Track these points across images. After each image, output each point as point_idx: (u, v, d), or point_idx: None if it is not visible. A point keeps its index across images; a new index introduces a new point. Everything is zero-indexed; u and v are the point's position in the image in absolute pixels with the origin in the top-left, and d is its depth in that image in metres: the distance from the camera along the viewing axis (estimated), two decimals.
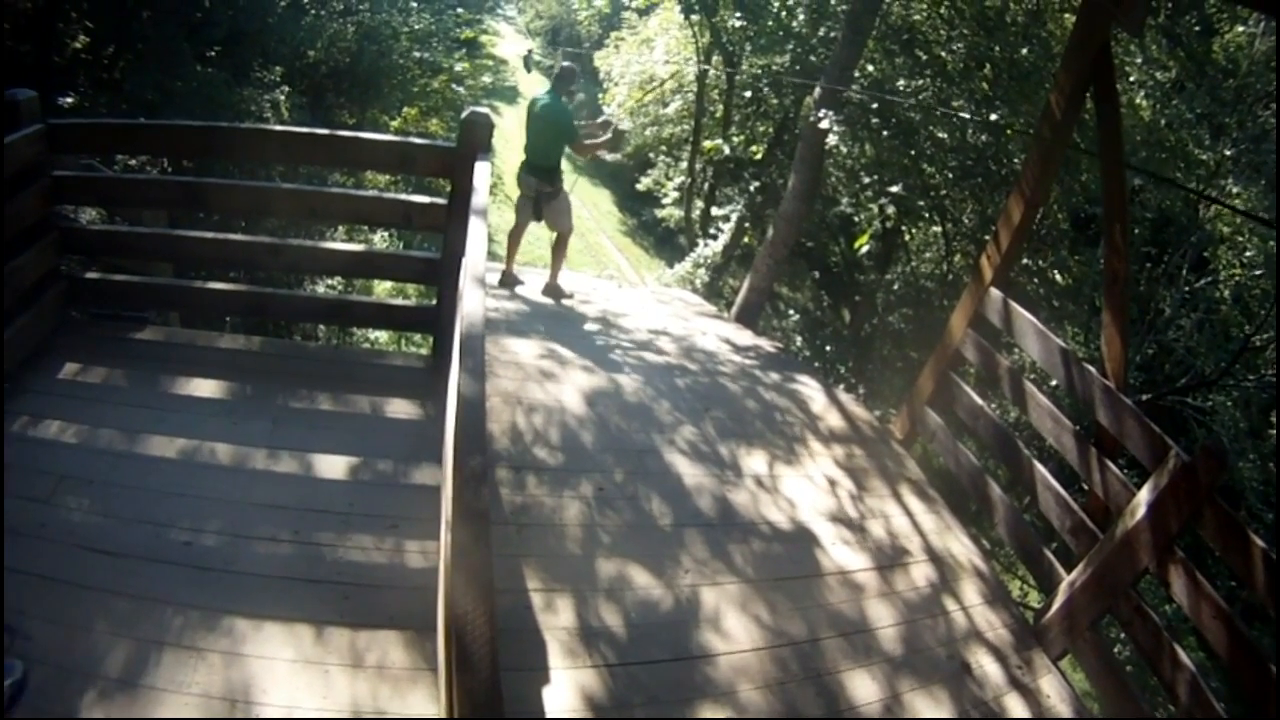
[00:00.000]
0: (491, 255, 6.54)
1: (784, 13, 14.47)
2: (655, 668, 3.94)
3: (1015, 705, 4.37)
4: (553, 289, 8.99)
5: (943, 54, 13.13)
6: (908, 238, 14.91)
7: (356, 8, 17.55)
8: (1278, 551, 3.73)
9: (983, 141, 11.99)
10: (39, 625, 3.25)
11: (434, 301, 5.70)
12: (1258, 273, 12.43)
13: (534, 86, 47.55)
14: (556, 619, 4.03)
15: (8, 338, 4.62)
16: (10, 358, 4.64)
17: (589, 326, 7.98)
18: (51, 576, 3.51)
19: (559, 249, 8.97)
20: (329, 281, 12.43)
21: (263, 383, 5.24)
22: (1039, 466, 5.35)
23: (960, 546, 5.55)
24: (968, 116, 11.63)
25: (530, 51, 8.83)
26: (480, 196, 4.58)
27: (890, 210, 12.99)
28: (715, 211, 17.89)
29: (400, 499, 4.42)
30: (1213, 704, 3.97)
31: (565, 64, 8.70)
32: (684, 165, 20.98)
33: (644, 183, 23.22)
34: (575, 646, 3.91)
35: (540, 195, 8.43)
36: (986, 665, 4.56)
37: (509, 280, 8.99)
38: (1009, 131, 11.51)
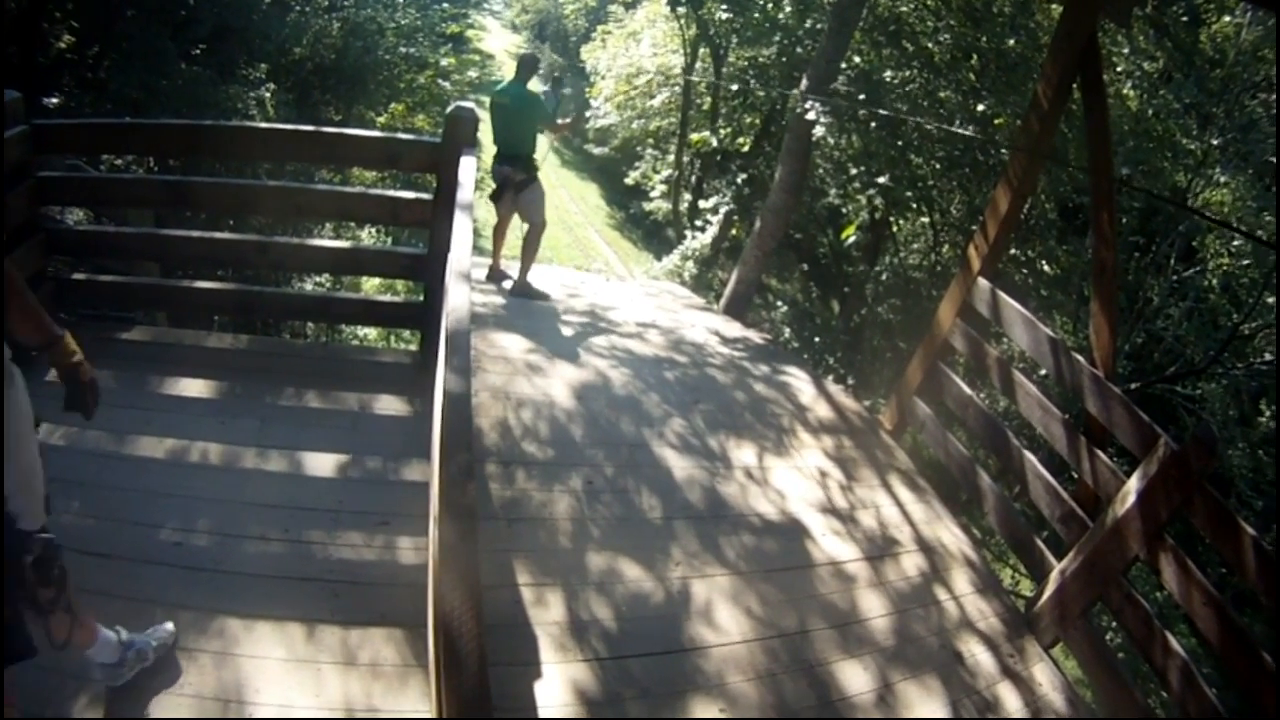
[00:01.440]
0: (479, 250, 6.51)
1: (770, 4, 14.47)
2: (646, 661, 3.94)
3: (1008, 694, 4.38)
4: (523, 287, 8.62)
5: (930, 45, 13.14)
6: (895, 229, 14.93)
7: (341, 4, 17.51)
8: (1271, 540, 3.75)
9: (970, 132, 12.00)
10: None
11: (421, 297, 5.70)
12: (1245, 262, 12.49)
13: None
14: (547, 613, 4.03)
15: None
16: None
17: (577, 320, 7.97)
18: None
19: (531, 243, 8.62)
20: (316, 279, 12.41)
21: (251, 381, 5.23)
22: (1029, 455, 5.36)
23: (951, 536, 5.56)
24: (934, 127, 11.66)
25: (559, 77, 8.61)
26: (466, 191, 4.57)
27: (878, 201, 12.98)
28: (703, 204, 17.86)
29: (390, 495, 4.42)
30: (1204, 690, 3.98)
31: (525, 53, 8.78)
32: (671, 158, 20.98)
33: (631, 176, 23.22)
34: (566, 640, 3.91)
35: (512, 184, 8.26)
36: (978, 654, 4.57)
37: (495, 275, 8.90)
38: (997, 122, 11.53)
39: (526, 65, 8.43)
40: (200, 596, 3.58)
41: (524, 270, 8.70)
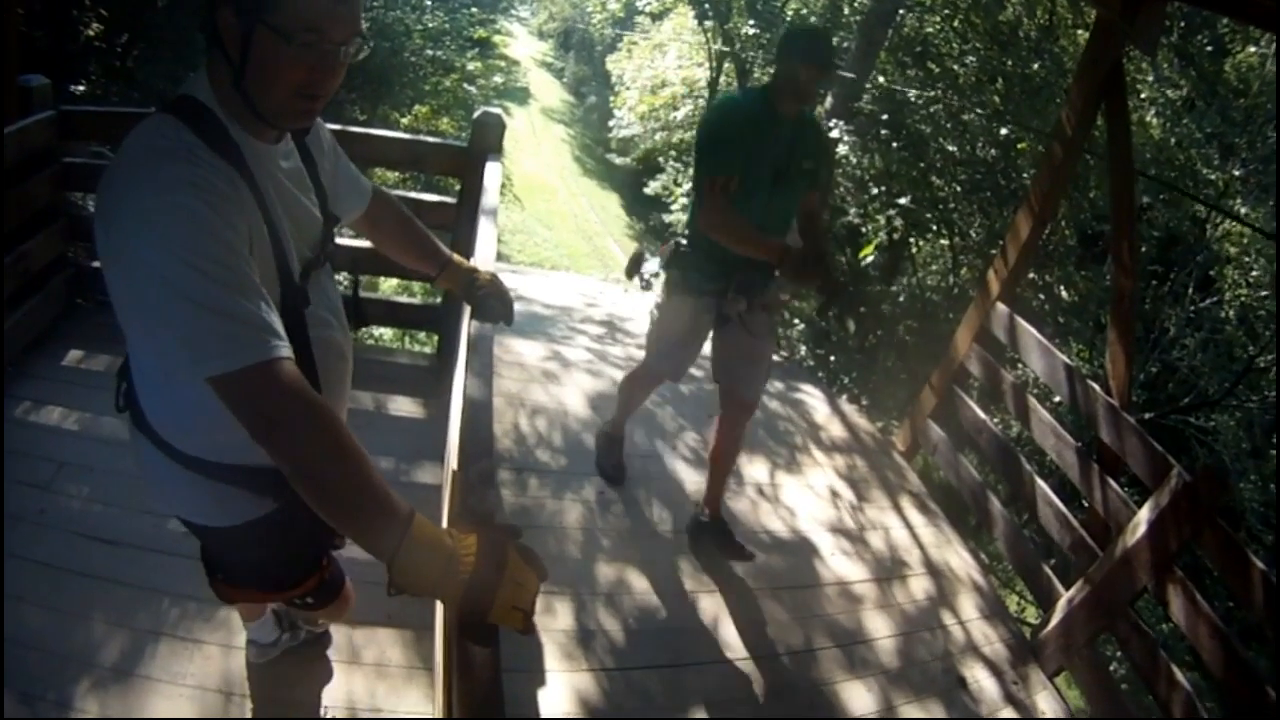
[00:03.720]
0: (500, 257, 6.50)
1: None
2: (651, 673, 3.94)
3: None
4: (717, 530, 4.80)
5: (955, 67, 13.17)
6: (914, 250, 14.93)
7: (370, 4, 17.55)
8: (1276, 573, 3.73)
9: (992, 155, 12.01)
10: (36, 612, 3.25)
11: (439, 299, 5.71)
12: (1263, 293, 12.46)
13: (544, 88, 47.49)
14: (555, 621, 4.03)
15: (14, 323, 4.63)
16: (15, 343, 4.65)
17: (594, 330, 7.96)
18: (50, 563, 3.51)
19: (729, 443, 4.66)
20: (335, 277, 12.42)
21: None
22: (1040, 482, 5.34)
23: (959, 560, 5.55)
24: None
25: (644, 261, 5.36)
26: (490, 197, 4.59)
27: (898, 222, 13.00)
28: None
29: (401, 497, 4.42)
30: None
31: (809, 26, 4.53)
32: (693, 171, 21.04)
33: (652, 187, 23.28)
34: (573, 649, 3.91)
35: (731, 309, 4.19)
36: (982, 680, 4.56)
37: (612, 455, 5.29)
38: (1020, 146, 11.53)
39: (794, 49, 3.79)
40: (207, 587, 3.59)
41: (717, 492, 4.80)
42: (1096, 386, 5.07)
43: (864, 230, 14.57)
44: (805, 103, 3.95)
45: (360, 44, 1.83)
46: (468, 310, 3.02)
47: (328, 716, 3.21)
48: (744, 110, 3.90)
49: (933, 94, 12.93)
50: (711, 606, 4.43)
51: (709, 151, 3.93)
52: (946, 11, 13.21)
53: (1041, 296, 12.13)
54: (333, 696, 3.29)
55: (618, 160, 31.51)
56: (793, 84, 3.78)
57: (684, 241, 4.27)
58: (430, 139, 6.63)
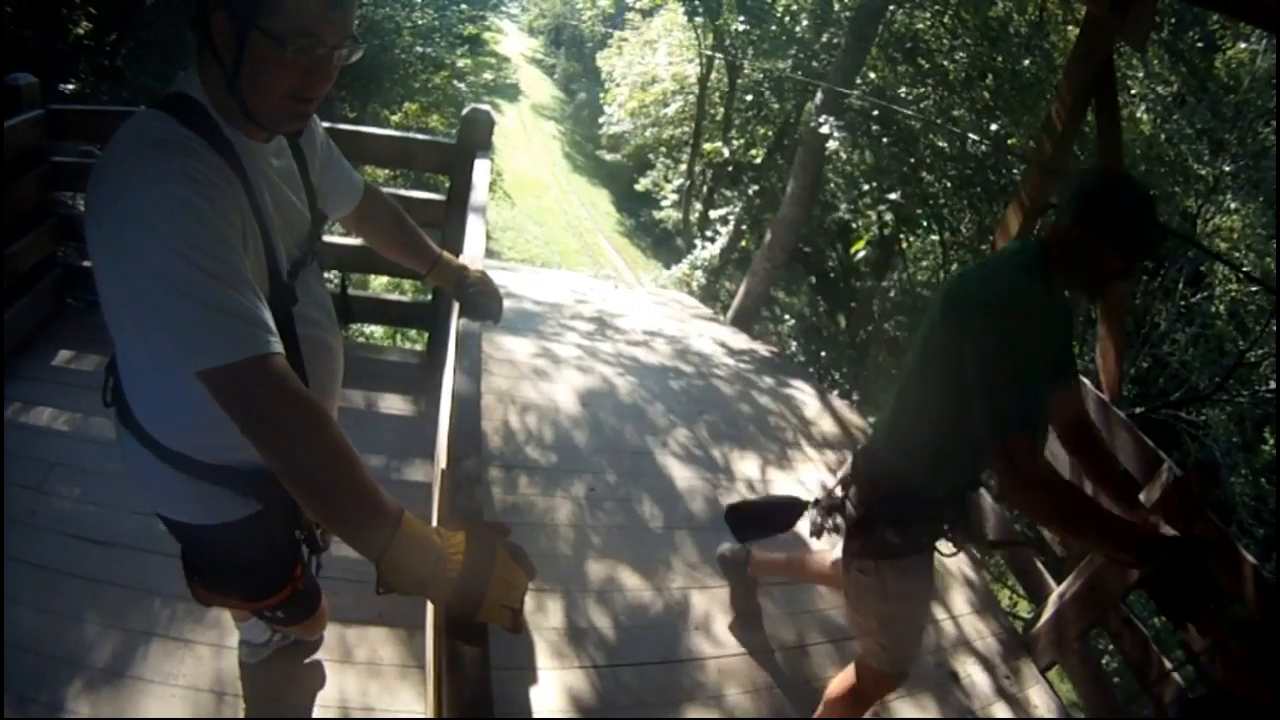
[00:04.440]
0: (490, 254, 6.49)
1: (787, 18, 14.52)
2: (643, 670, 3.94)
3: (1002, 715, 4.36)
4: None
5: (945, 63, 13.18)
6: (905, 245, 14.94)
7: (359, 1, 17.49)
8: (1271, 568, 3.74)
9: (982, 151, 12.02)
10: (28, 613, 3.24)
11: (430, 297, 5.70)
12: (1253, 288, 12.47)
13: (535, 85, 47.39)
14: (546, 619, 4.02)
15: (4, 323, 4.61)
16: (5, 344, 4.62)
17: (585, 326, 7.96)
18: (42, 564, 3.50)
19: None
20: (325, 275, 12.37)
21: None
22: None
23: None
24: (971, 135, 11.65)
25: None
26: (479, 193, 4.58)
27: (888, 217, 13.01)
28: (713, 214, 17.89)
29: (392, 495, 4.41)
30: None
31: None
32: (683, 167, 21.00)
33: (643, 184, 23.31)
34: (564, 647, 3.91)
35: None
36: (975, 675, 4.56)
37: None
38: (1010, 142, 11.53)
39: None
40: None
41: (765, 570, 4.27)
42: (1087, 381, 5.07)
43: (854, 225, 14.59)
44: (1093, 299, 2.76)
45: (353, 47, 1.82)
46: (457, 307, 3.01)
47: (320, 716, 3.20)
48: (1039, 298, 2.56)
49: (923, 90, 12.95)
50: (703, 603, 4.42)
51: (1013, 367, 2.43)
52: (937, 7, 13.21)
53: None
54: (325, 695, 3.27)
55: (608, 157, 31.44)
56: (1095, 271, 2.55)
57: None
58: (419, 136, 6.59)
